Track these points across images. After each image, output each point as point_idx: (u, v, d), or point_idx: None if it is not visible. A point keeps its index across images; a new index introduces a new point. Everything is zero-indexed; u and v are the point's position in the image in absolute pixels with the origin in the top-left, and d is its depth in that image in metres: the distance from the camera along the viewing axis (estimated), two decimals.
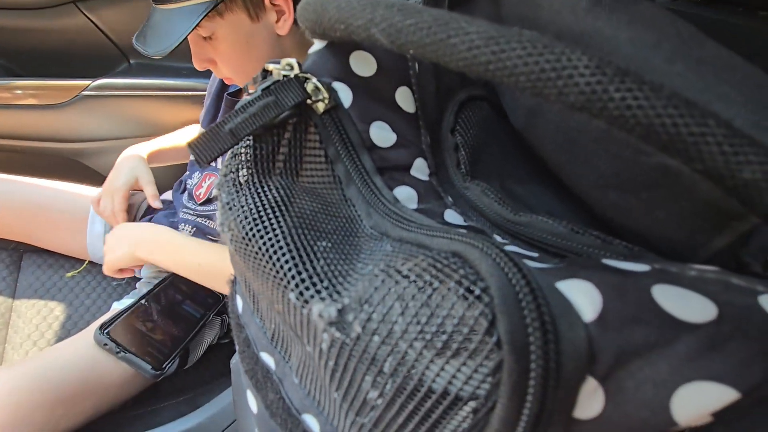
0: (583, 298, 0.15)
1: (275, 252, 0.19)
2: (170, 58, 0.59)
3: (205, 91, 0.83)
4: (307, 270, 0.18)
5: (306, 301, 0.18)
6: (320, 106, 0.23)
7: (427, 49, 0.16)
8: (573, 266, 0.17)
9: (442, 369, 0.15)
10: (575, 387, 0.14)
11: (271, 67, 0.22)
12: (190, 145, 0.20)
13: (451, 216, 0.24)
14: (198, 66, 0.63)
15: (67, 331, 0.73)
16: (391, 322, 0.16)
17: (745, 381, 0.13)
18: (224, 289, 0.61)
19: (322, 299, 0.18)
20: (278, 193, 0.21)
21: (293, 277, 0.18)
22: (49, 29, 0.98)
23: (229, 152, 0.22)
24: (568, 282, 0.15)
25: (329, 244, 0.20)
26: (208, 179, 0.74)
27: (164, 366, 0.63)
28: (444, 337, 0.15)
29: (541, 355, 0.14)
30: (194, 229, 0.73)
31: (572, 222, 0.22)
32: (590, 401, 0.14)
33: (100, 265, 0.78)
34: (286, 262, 0.19)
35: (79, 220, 0.80)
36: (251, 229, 0.20)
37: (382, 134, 0.24)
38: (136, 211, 0.84)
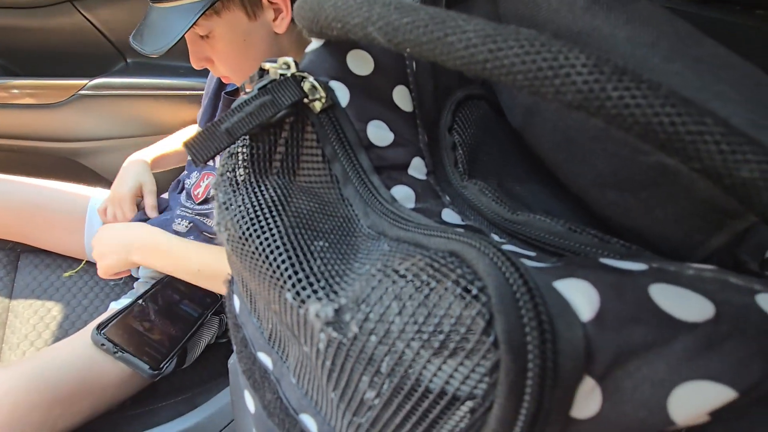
0: (581, 297, 0.15)
1: (272, 252, 0.19)
2: (167, 56, 0.59)
3: (202, 90, 0.83)
4: (303, 270, 0.18)
5: (303, 301, 0.18)
6: (317, 105, 0.22)
7: (424, 48, 0.16)
8: (570, 265, 0.17)
9: (440, 369, 0.15)
10: (573, 386, 0.14)
11: (267, 65, 0.22)
12: (186, 144, 0.20)
13: (449, 215, 0.23)
14: (195, 65, 0.63)
15: (64, 331, 0.72)
16: (388, 322, 0.16)
17: (742, 380, 0.13)
18: (222, 290, 0.61)
19: (319, 299, 0.18)
20: (275, 192, 0.21)
21: (290, 277, 0.18)
22: (46, 28, 0.98)
23: (226, 151, 0.22)
24: (565, 281, 0.15)
25: (326, 244, 0.20)
26: (207, 179, 0.74)
27: (162, 366, 0.63)
28: (441, 336, 0.15)
29: (539, 355, 0.14)
30: (191, 224, 0.72)
31: (570, 221, 0.22)
32: (587, 401, 0.14)
33: None
34: (283, 261, 0.18)
35: (76, 220, 0.80)
36: (248, 229, 0.19)
37: (379, 133, 0.24)
38: None
